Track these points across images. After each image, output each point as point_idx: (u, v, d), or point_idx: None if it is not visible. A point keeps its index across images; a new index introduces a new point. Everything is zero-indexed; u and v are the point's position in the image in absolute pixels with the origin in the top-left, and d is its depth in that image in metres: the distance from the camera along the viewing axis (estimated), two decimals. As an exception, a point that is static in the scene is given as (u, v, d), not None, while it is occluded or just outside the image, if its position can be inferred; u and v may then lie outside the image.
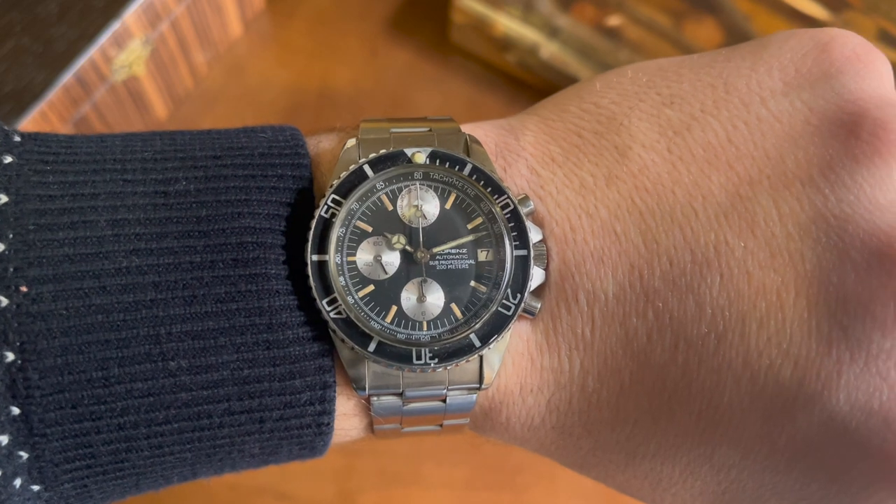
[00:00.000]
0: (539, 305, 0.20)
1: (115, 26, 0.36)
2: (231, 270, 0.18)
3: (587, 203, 0.20)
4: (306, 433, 0.20)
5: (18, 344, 0.17)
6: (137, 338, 0.18)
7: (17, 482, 0.17)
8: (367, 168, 0.20)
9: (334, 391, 0.19)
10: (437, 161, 0.20)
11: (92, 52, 0.36)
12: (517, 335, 0.20)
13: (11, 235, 0.17)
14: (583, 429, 0.21)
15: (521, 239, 0.20)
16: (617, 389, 0.20)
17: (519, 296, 0.20)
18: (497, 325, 0.19)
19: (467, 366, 0.20)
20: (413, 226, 0.20)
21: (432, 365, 0.19)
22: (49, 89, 0.35)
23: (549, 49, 0.44)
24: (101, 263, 0.18)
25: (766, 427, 0.19)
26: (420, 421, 0.21)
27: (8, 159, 0.18)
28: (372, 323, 0.19)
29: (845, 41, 0.21)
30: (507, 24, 0.44)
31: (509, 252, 0.20)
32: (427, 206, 0.20)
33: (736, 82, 0.20)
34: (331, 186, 0.20)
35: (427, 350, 0.19)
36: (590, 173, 0.20)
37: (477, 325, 0.19)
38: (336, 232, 0.19)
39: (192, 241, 0.18)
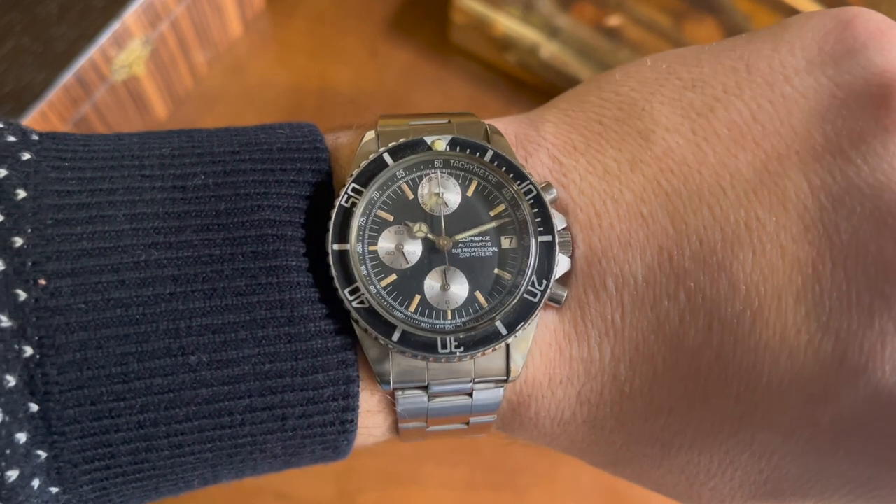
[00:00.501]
0: (565, 294, 0.19)
1: (115, 26, 0.36)
2: (251, 263, 0.18)
3: (612, 188, 0.20)
4: (329, 431, 0.19)
5: (37, 339, 0.17)
6: (157, 332, 0.17)
7: (36, 483, 0.17)
8: (386, 156, 0.20)
9: (358, 386, 0.19)
10: (458, 148, 0.20)
11: (92, 52, 0.36)
12: (544, 325, 0.20)
13: (30, 230, 0.17)
14: (615, 421, 0.20)
15: (546, 225, 0.19)
16: (650, 377, 0.19)
17: (545, 282, 0.19)
18: (523, 313, 0.19)
19: (493, 356, 0.19)
20: (435, 214, 0.20)
21: (458, 354, 0.18)
22: (49, 89, 0.35)
23: (549, 49, 0.44)
24: (120, 257, 0.18)
25: (808, 407, 0.18)
26: (446, 419, 0.20)
27: (26, 156, 0.18)
28: (395, 312, 0.19)
29: (868, 17, 0.20)
30: (507, 24, 0.44)
31: (533, 238, 0.19)
32: (448, 193, 0.20)
33: (758, 63, 0.20)
34: (350, 176, 0.19)
35: (452, 338, 0.19)
36: (613, 159, 0.20)
37: (502, 313, 0.19)
38: (357, 221, 0.19)
39: (211, 234, 0.18)
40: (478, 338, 0.19)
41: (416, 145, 0.20)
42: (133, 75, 0.39)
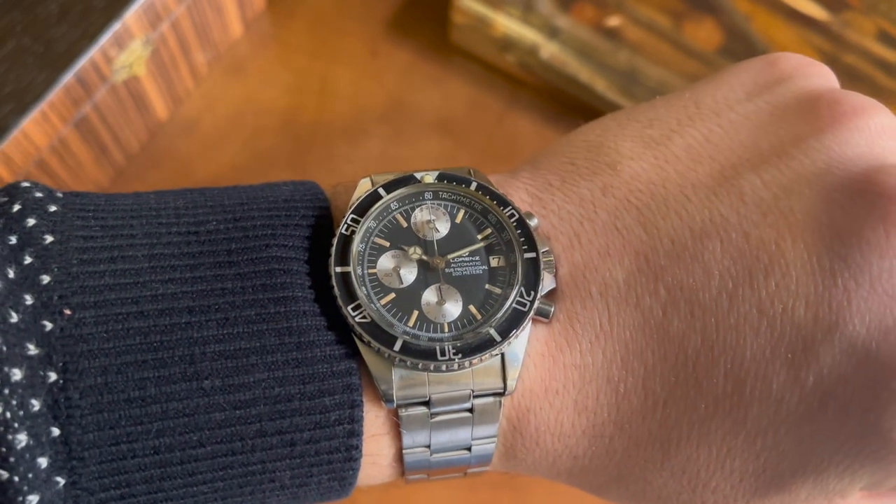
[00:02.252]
0: (552, 308, 0.21)
1: (116, 27, 0.36)
2: (260, 294, 0.20)
3: (587, 211, 0.22)
4: (336, 459, 0.20)
5: (61, 364, 0.18)
6: (173, 358, 0.18)
7: None
8: (381, 190, 0.22)
9: (361, 410, 0.20)
10: (445, 181, 0.22)
11: (92, 53, 0.36)
12: (535, 339, 0.21)
13: (56, 269, 0.19)
14: (614, 426, 0.21)
15: (529, 244, 0.21)
16: (642, 372, 0.20)
17: (532, 293, 0.21)
18: (514, 321, 0.20)
19: (490, 366, 0.20)
20: (427, 239, 0.22)
21: (456, 360, 0.20)
22: (50, 90, 0.35)
23: (549, 49, 0.44)
24: (140, 291, 0.19)
25: (791, 371, 0.19)
26: (448, 441, 0.21)
27: (53, 208, 0.20)
28: (395, 327, 0.20)
29: (790, 57, 0.24)
30: (507, 24, 0.44)
31: (519, 256, 0.21)
32: (439, 221, 0.22)
33: (704, 99, 0.23)
34: (350, 207, 0.21)
35: (449, 346, 0.20)
36: (586, 188, 0.22)
37: (495, 322, 0.20)
38: (356, 247, 0.21)
39: (223, 269, 0.20)
40: (474, 345, 0.20)
41: (408, 180, 0.22)
42: (133, 75, 0.39)
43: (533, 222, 0.22)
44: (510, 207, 0.22)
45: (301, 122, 0.45)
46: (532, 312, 0.20)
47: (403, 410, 0.20)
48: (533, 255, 0.21)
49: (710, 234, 0.20)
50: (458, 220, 0.22)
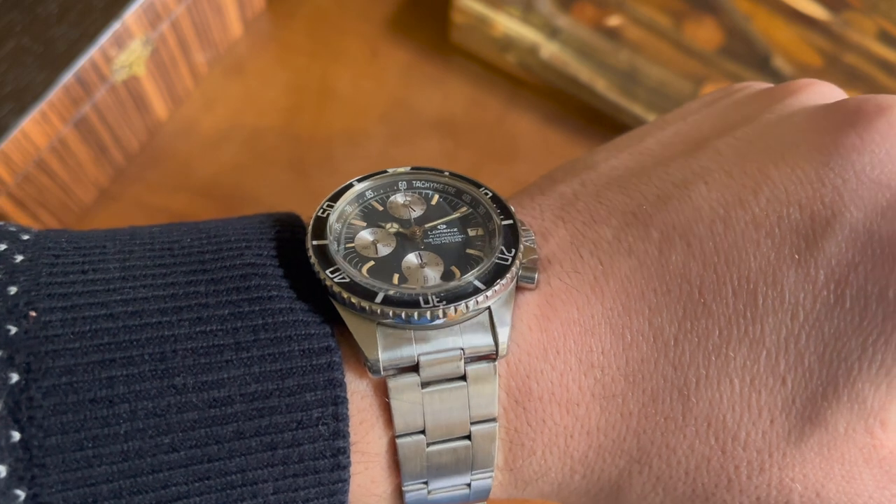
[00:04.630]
0: (537, 275, 0.20)
1: (116, 26, 0.36)
2: (234, 296, 0.19)
3: (567, 201, 0.22)
4: (322, 466, 0.19)
5: (24, 364, 0.17)
6: (142, 357, 0.17)
7: None
8: (354, 182, 0.22)
9: (346, 407, 0.19)
10: (418, 171, 0.23)
11: (92, 53, 0.36)
12: (525, 303, 0.20)
13: (24, 280, 0.18)
14: (625, 381, 0.20)
15: (506, 213, 0.21)
16: (646, 313, 0.20)
17: (514, 250, 0.20)
18: (497, 273, 0.20)
19: (478, 323, 0.19)
20: (404, 217, 0.21)
21: (441, 307, 0.19)
22: (49, 89, 0.35)
23: (549, 49, 0.44)
24: (110, 296, 0.18)
25: (800, 271, 0.19)
26: (443, 420, 0.20)
27: (26, 237, 0.19)
28: (377, 286, 0.19)
29: (741, 86, 0.26)
30: (507, 24, 0.44)
31: (497, 223, 0.21)
32: (414, 205, 0.22)
33: (665, 116, 0.25)
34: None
35: (433, 295, 0.19)
36: (566, 186, 0.23)
37: (478, 274, 0.20)
38: (332, 225, 0.21)
39: (196, 276, 0.19)
40: (458, 293, 0.19)
41: (381, 173, 0.22)
42: (133, 75, 0.39)
43: (512, 210, 0.22)
44: (484, 188, 0.22)
45: (301, 121, 0.45)
46: (515, 268, 0.20)
47: (392, 380, 0.19)
48: (510, 221, 0.21)
49: (694, 181, 0.21)
50: (433, 203, 0.22)
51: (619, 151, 0.24)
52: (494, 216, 0.21)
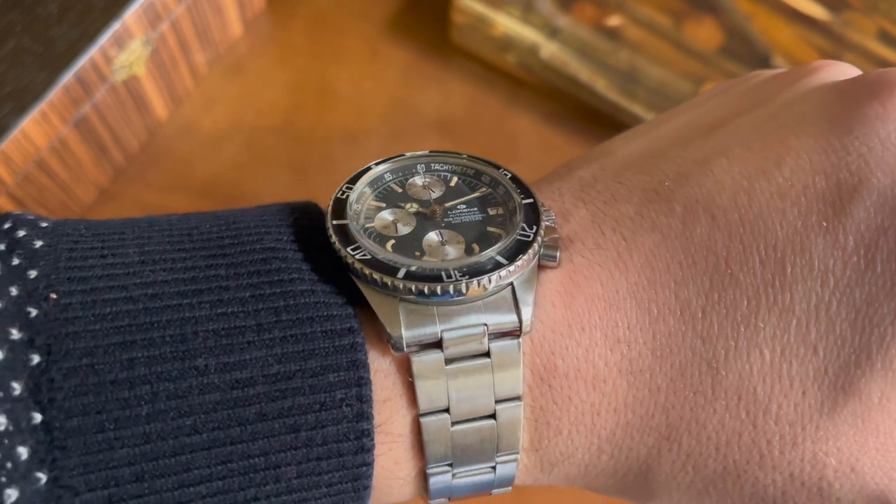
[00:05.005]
0: (559, 253, 0.20)
1: (116, 26, 0.36)
2: (255, 279, 0.19)
3: (585, 184, 0.22)
4: (346, 449, 0.18)
5: (45, 346, 0.17)
6: (163, 338, 0.17)
7: None
8: (372, 165, 0.22)
9: (370, 389, 0.18)
10: (436, 154, 0.22)
11: (92, 53, 0.36)
12: (548, 281, 0.20)
13: (43, 264, 0.18)
14: (652, 356, 0.19)
15: (526, 192, 0.21)
16: (672, 286, 0.19)
17: (535, 227, 0.20)
18: (519, 249, 0.19)
19: (501, 298, 0.19)
20: (423, 198, 0.21)
21: (463, 281, 0.18)
22: (49, 89, 0.35)
23: (549, 49, 0.44)
24: (130, 279, 0.18)
25: (829, 237, 0.18)
26: (467, 396, 0.19)
27: (44, 224, 0.19)
28: (398, 262, 0.19)
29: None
30: (507, 24, 0.44)
31: (518, 202, 0.21)
32: (433, 186, 0.22)
33: (679, 107, 0.25)
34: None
35: (455, 270, 0.19)
36: (584, 172, 0.22)
37: (499, 250, 0.19)
38: (352, 206, 0.21)
39: (216, 260, 0.19)
40: (480, 268, 0.19)
41: (399, 156, 0.22)
42: (133, 75, 0.39)
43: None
44: (503, 169, 0.22)
45: (301, 122, 0.45)
46: (536, 244, 0.19)
47: (415, 356, 0.19)
48: (531, 200, 0.21)
49: (713, 157, 0.20)
50: (452, 184, 0.22)
51: (635, 138, 0.23)
52: (514, 195, 0.21)
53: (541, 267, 0.20)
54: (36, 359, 0.16)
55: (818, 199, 0.19)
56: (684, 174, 0.20)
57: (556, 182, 0.23)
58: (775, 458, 0.19)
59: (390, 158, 0.22)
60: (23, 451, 0.16)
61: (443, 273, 0.19)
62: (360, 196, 0.21)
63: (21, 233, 0.19)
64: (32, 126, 0.34)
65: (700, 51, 0.43)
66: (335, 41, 0.47)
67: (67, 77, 0.35)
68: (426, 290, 0.18)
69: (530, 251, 0.19)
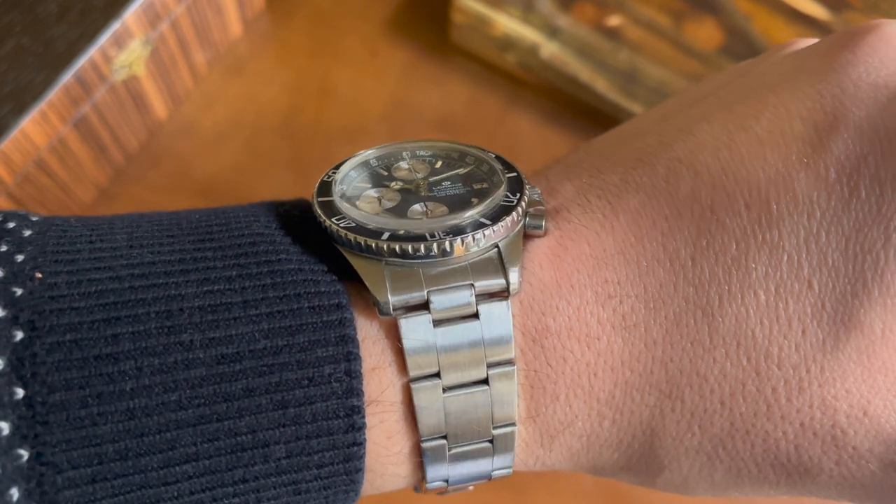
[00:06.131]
0: (543, 221, 0.20)
1: (116, 26, 0.36)
2: (242, 259, 0.18)
3: (570, 165, 0.22)
4: (336, 427, 0.18)
5: (28, 322, 0.16)
6: (148, 314, 0.17)
7: (14, 493, 0.16)
8: (359, 153, 0.23)
9: (359, 364, 0.18)
10: (421, 140, 0.23)
11: (92, 52, 0.36)
12: (535, 247, 0.20)
13: (31, 248, 0.18)
14: (645, 308, 0.19)
15: (509, 167, 0.21)
16: (659, 239, 0.19)
17: (518, 194, 0.20)
18: (503, 212, 0.19)
19: (488, 258, 0.19)
20: (408, 179, 0.22)
21: (447, 239, 0.18)
22: (49, 89, 0.35)
23: (549, 49, 0.44)
24: (116, 261, 0.18)
25: (810, 172, 0.18)
26: (457, 353, 0.19)
27: (35, 217, 0.19)
28: (382, 225, 0.19)
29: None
30: (507, 24, 0.44)
31: (502, 175, 0.21)
32: (418, 169, 0.22)
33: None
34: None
35: (439, 231, 0.19)
36: (571, 157, 0.23)
37: (483, 211, 0.19)
38: (337, 186, 0.21)
39: (204, 244, 0.19)
40: (463, 227, 0.19)
41: (385, 145, 0.23)
42: (133, 75, 0.39)
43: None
44: (489, 151, 0.22)
45: (301, 121, 0.45)
46: (521, 208, 0.19)
47: (403, 318, 0.18)
48: (515, 173, 0.21)
49: (695, 123, 0.21)
50: (437, 166, 0.22)
51: (621, 127, 0.24)
52: (499, 171, 0.21)
53: (527, 237, 0.20)
54: (19, 335, 0.16)
55: (797, 141, 0.19)
56: (667, 141, 0.21)
57: (542, 171, 0.23)
58: (783, 406, 0.18)
59: (376, 147, 0.23)
60: (4, 427, 0.16)
61: (427, 234, 0.19)
62: (346, 178, 0.21)
63: (11, 224, 0.19)
64: (32, 126, 0.34)
65: (700, 51, 0.43)
66: (335, 41, 0.47)
67: (67, 77, 0.35)
68: (410, 250, 0.18)
69: (514, 213, 0.19)
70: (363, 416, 0.18)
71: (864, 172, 0.18)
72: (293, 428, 0.17)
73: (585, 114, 0.45)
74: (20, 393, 0.16)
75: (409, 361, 0.18)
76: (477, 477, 0.21)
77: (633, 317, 0.19)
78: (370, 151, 0.22)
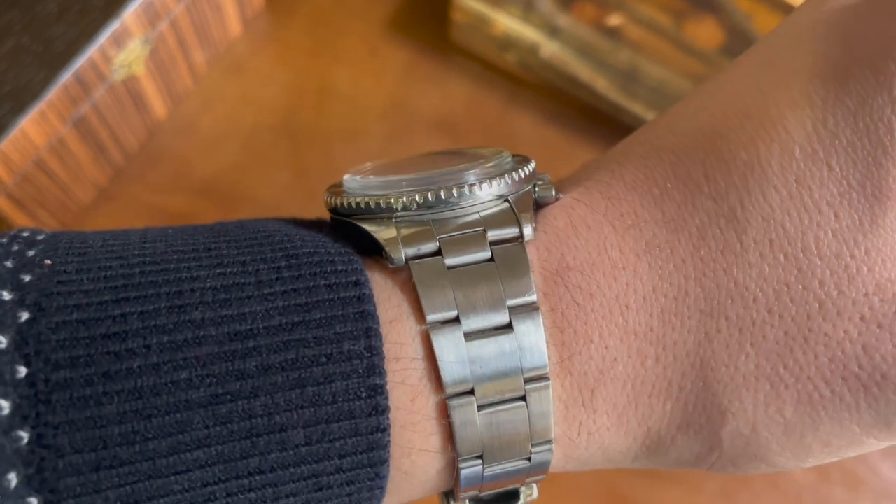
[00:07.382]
0: (554, 191, 0.20)
1: (115, 26, 0.36)
2: (256, 248, 0.18)
3: (585, 165, 0.22)
4: (357, 409, 0.17)
5: (35, 304, 0.16)
6: (159, 294, 0.17)
7: (13, 479, 0.15)
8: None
9: (380, 340, 0.17)
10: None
11: (91, 52, 0.36)
12: (547, 208, 0.20)
13: (43, 245, 0.18)
14: (665, 229, 0.18)
15: (519, 156, 0.21)
16: (668, 167, 0.19)
17: (525, 160, 0.21)
18: (511, 167, 0.20)
19: (501, 210, 0.19)
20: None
21: (454, 187, 0.19)
22: (48, 89, 0.35)
23: (549, 49, 0.44)
24: (127, 250, 0.18)
25: (803, 73, 0.18)
26: (475, 294, 0.18)
27: (48, 231, 0.19)
28: (391, 187, 0.19)
29: None
30: (507, 23, 0.44)
31: (509, 157, 0.21)
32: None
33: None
34: None
35: (447, 182, 0.19)
36: (589, 163, 0.22)
37: (490, 168, 0.20)
38: (346, 183, 0.21)
39: (218, 239, 0.19)
40: (472, 180, 0.19)
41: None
42: (133, 75, 0.39)
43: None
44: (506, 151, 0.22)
45: (301, 121, 0.45)
46: (530, 167, 0.20)
47: (415, 262, 0.18)
48: (521, 157, 0.21)
49: (710, 84, 0.20)
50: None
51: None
52: (506, 156, 0.21)
53: (539, 206, 0.20)
54: (25, 315, 0.16)
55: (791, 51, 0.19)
56: (678, 133, 0.20)
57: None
58: (835, 300, 0.17)
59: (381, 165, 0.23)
60: (4, 405, 0.15)
61: (434, 185, 0.19)
62: (353, 180, 0.22)
63: (25, 233, 0.19)
64: (31, 125, 0.34)
65: (700, 50, 0.43)
66: (335, 40, 0.47)
67: (66, 76, 0.35)
68: (418, 199, 0.18)
69: (522, 169, 0.20)
70: (386, 398, 0.17)
71: (856, 56, 0.17)
72: (312, 410, 0.16)
73: (585, 114, 0.45)
74: (23, 371, 0.15)
75: (425, 304, 0.17)
76: (514, 452, 0.19)
77: (655, 240, 0.18)
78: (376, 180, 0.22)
